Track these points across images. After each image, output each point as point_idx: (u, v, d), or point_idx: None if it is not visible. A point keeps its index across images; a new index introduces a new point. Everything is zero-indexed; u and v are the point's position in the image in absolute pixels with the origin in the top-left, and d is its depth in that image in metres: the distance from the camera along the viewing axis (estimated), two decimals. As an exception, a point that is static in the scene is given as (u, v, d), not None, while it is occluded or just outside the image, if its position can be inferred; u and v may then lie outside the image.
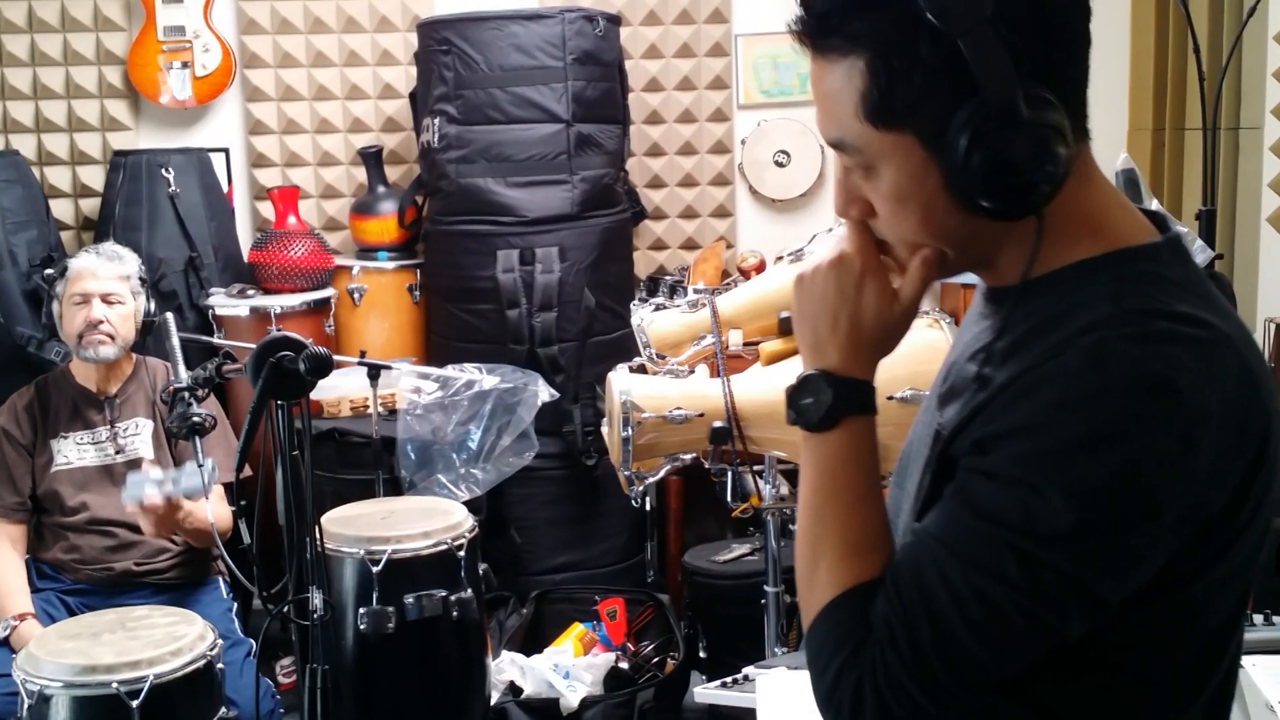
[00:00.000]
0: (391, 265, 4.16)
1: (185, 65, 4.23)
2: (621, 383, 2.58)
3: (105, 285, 3.12)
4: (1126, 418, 0.96)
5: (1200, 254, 3.18)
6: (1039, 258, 1.05)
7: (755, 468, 2.75)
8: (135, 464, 3.07)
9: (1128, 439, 0.96)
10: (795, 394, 1.13)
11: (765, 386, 2.51)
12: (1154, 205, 3.25)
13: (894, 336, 1.13)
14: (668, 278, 4.31)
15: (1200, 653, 1.07)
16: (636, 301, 3.79)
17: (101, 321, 3.09)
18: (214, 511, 2.73)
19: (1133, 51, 4.29)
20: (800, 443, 1.15)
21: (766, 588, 2.86)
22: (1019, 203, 1.01)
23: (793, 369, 1.23)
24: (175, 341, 2.84)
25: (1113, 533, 0.97)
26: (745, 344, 2.75)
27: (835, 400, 1.10)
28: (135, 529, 3.02)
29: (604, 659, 3.34)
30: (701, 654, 3.49)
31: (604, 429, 2.80)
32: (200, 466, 2.65)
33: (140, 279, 3.22)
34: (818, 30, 1.05)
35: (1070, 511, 0.96)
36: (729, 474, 2.72)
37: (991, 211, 1.02)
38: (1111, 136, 4.33)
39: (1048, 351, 1.00)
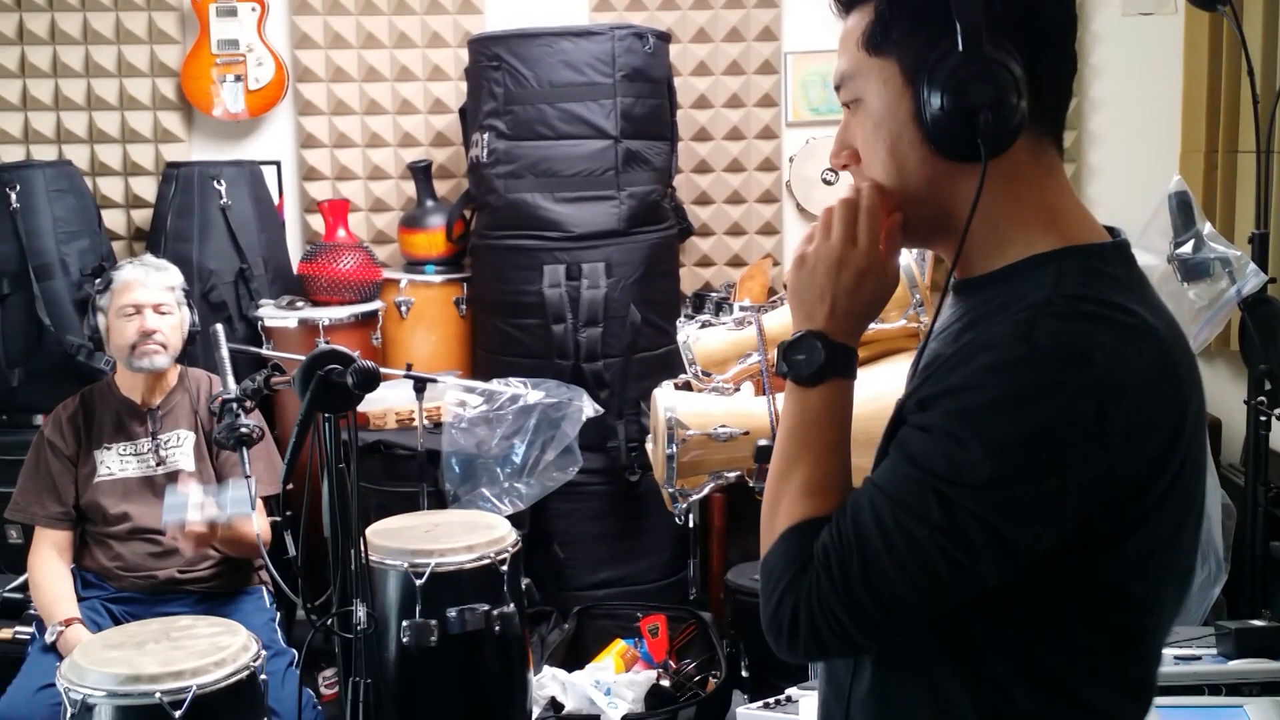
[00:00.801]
0: (439, 279, 4.18)
1: (238, 78, 4.28)
2: (667, 399, 2.58)
3: (155, 295, 3.16)
4: (1044, 383, 1.07)
5: (1253, 277, 3.13)
6: (1002, 251, 1.18)
7: (800, 487, 2.73)
8: (175, 476, 3.09)
9: (1043, 401, 1.07)
10: (789, 349, 1.23)
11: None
12: (1206, 228, 3.22)
13: (878, 304, 1.25)
14: (713, 294, 4.30)
15: (1121, 620, 1.16)
16: (682, 318, 3.79)
17: (155, 331, 3.12)
18: (255, 522, 2.75)
19: (1186, 74, 4.25)
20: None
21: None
22: (967, 133, 1.14)
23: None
24: (225, 352, 2.86)
25: (1024, 483, 1.07)
26: (792, 362, 2.73)
27: (827, 360, 1.21)
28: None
29: (645, 676, 3.32)
30: (744, 673, 3.47)
31: (648, 445, 2.79)
32: (247, 478, 2.66)
33: (183, 290, 3.25)
34: None
35: (988, 462, 1.07)
36: (773, 493, 2.70)
37: (943, 141, 1.16)
38: (1164, 159, 4.29)
39: (990, 327, 1.13)
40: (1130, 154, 4.44)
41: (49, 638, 2.91)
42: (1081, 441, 1.07)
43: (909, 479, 1.12)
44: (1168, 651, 2.44)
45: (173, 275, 3.24)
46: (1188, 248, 3.20)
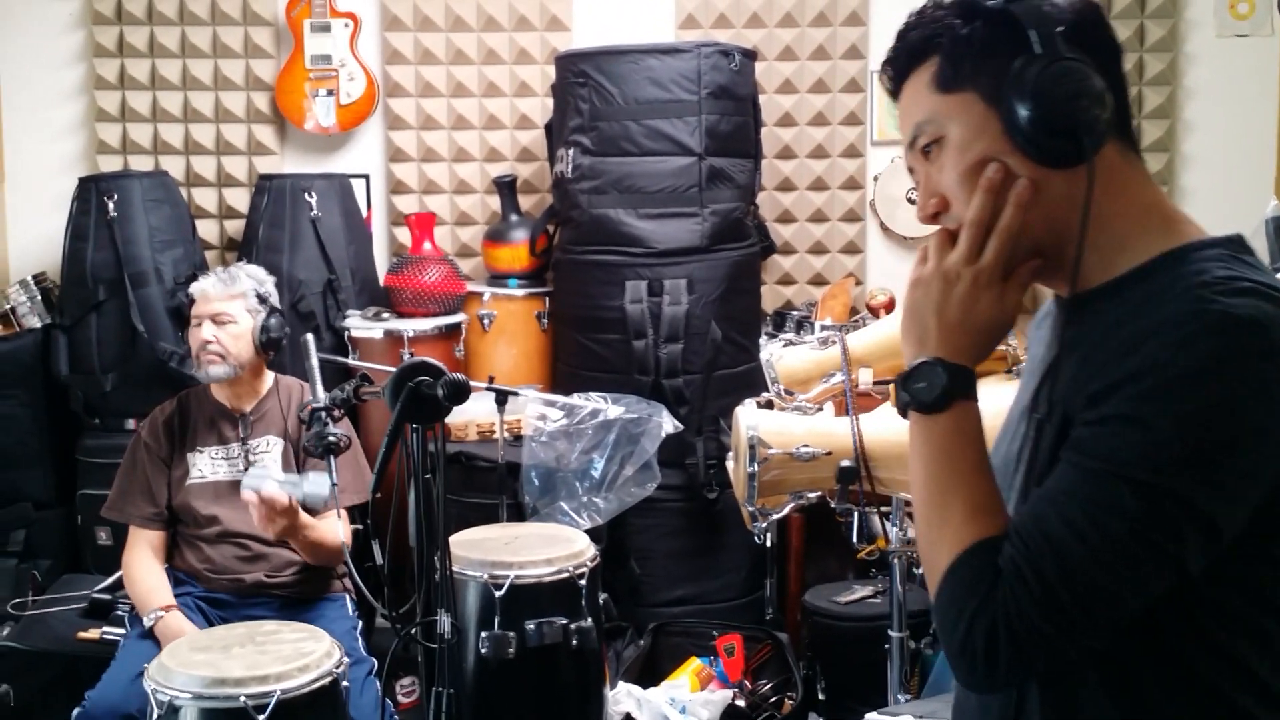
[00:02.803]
0: (521, 293, 4.22)
1: (330, 93, 4.36)
2: (749, 418, 2.57)
3: (215, 306, 3.20)
4: (1226, 354, 1.05)
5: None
6: (1123, 254, 1.18)
7: (882, 509, 2.71)
8: None
9: (1227, 371, 1.05)
10: (908, 379, 1.22)
11: (895, 427, 2.46)
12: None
13: (1001, 335, 1.24)
14: (795, 313, 4.28)
15: None
16: (765, 336, 3.78)
17: (210, 341, 3.17)
18: (341, 527, 2.78)
19: (1282, 98, 4.17)
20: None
21: (891, 632, 2.81)
22: (1063, 130, 1.15)
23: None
24: (314, 362, 2.90)
25: (1221, 456, 1.05)
26: (875, 383, 2.71)
27: (949, 383, 1.19)
28: (266, 541, 3.10)
29: (721, 695, 3.31)
30: (820, 696, 3.44)
31: (729, 463, 2.78)
32: (334, 485, 2.69)
33: (259, 296, 3.25)
34: (904, 59, 1.27)
35: (1179, 440, 1.05)
36: (855, 514, 2.68)
37: (1040, 145, 1.16)
38: (1260, 183, 4.21)
39: (1148, 315, 1.11)
40: (1225, 177, 4.35)
41: (148, 623, 2.97)
42: (1269, 406, 1.06)
43: (1093, 475, 1.09)
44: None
45: (241, 283, 3.23)
46: (1286, 273, 3.12)
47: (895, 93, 1.29)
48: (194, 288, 3.28)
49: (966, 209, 1.21)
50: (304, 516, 2.93)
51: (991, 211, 1.19)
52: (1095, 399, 1.10)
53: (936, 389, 1.19)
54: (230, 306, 3.20)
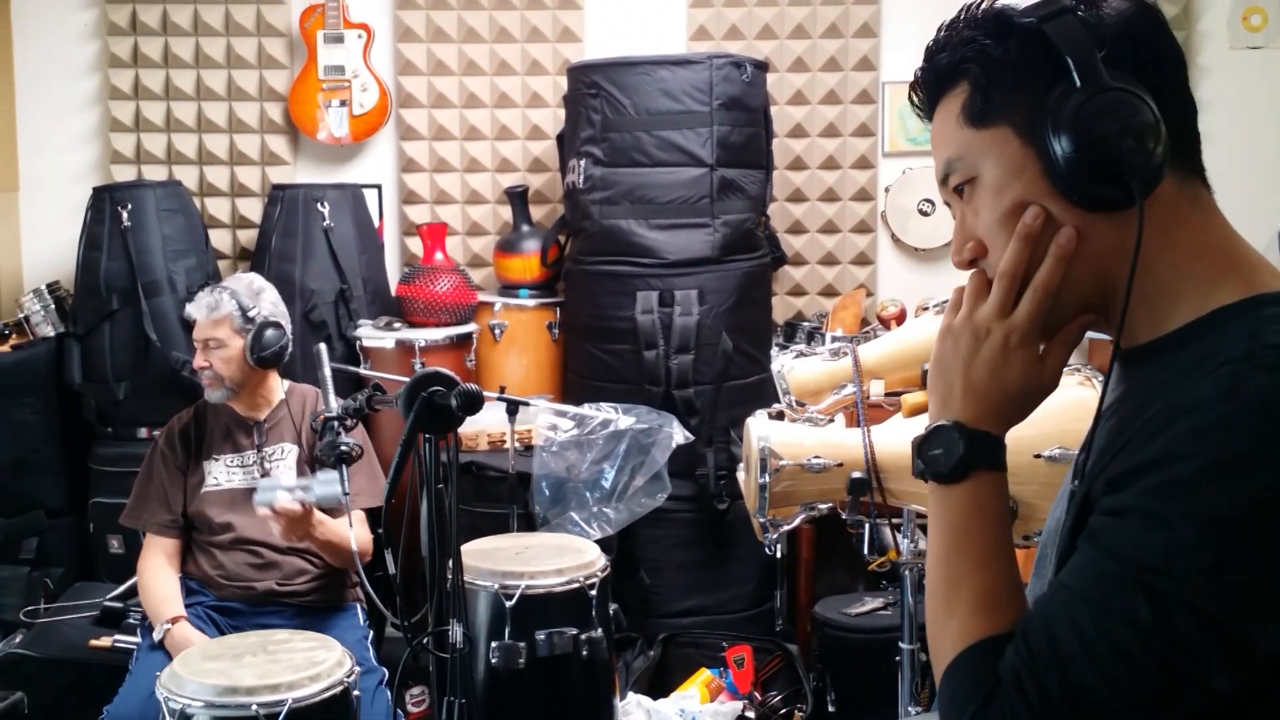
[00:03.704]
0: (532, 303, 4.23)
1: (343, 104, 4.37)
2: (760, 429, 2.57)
3: (205, 332, 3.22)
4: (1260, 444, 0.92)
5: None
6: (1175, 308, 1.05)
7: (893, 521, 2.71)
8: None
9: (1261, 466, 0.92)
10: (924, 444, 1.12)
11: (906, 439, 2.45)
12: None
13: (1036, 401, 1.12)
14: (805, 324, 4.29)
15: None
16: (775, 348, 3.78)
17: (205, 366, 3.21)
18: (352, 534, 2.79)
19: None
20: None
21: (902, 644, 2.80)
22: (1108, 172, 1.02)
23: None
24: (327, 371, 2.91)
25: (1250, 565, 0.92)
26: (887, 395, 2.71)
27: (967, 452, 1.09)
28: (279, 549, 3.11)
29: (731, 707, 3.30)
30: (830, 708, 3.43)
31: (740, 474, 2.78)
32: (345, 494, 2.70)
33: (245, 317, 3.20)
34: (933, 83, 1.14)
35: (1203, 544, 0.92)
36: (866, 526, 2.67)
37: (1082, 188, 1.03)
38: (1274, 195, 4.19)
39: (1184, 389, 0.98)
40: (1238, 191, 4.32)
41: (156, 635, 2.98)
42: None
43: (1108, 575, 0.97)
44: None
45: (225, 307, 3.20)
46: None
47: (928, 116, 1.18)
48: (188, 309, 3.30)
49: (1000, 242, 1.10)
50: (319, 516, 2.94)
51: (1028, 262, 1.08)
52: (1115, 484, 1.00)
53: (953, 458, 1.09)
54: (216, 332, 3.20)
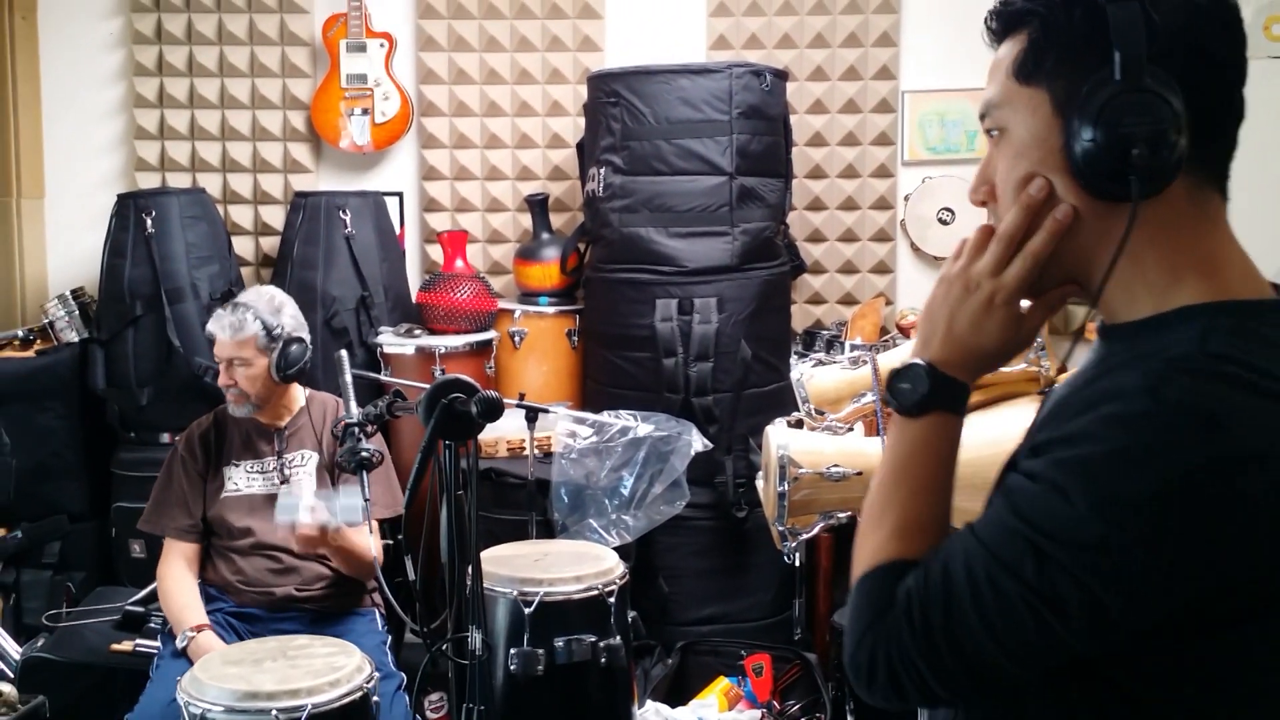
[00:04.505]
0: (552, 310, 4.24)
1: (365, 112, 4.40)
2: (779, 437, 2.57)
3: (229, 351, 3.22)
4: (1165, 441, 0.98)
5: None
6: (1152, 299, 1.10)
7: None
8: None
9: (1163, 463, 0.98)
10: (896, 377, 1.19)
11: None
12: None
13: (1007, 356, 1.19)
14: (824, 332, 4.29)
15: (1222, 711, 1.05)
16: (794, 356, 3.78)
17: (232, 384, 3.22)
18: (373, 542, 2.80)
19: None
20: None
21: (919, 653, 2.79)
22: (1118, 169, 1.07)
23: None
24: (348, 378, 2.93)
25: (1131, 550, 0.98)
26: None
27: (930, 392, 1.16)
28: (297, 555, 3.13)
29: (749, 716, 3.30)
30: (849, 717, 3.43)
31: (759, 482, 2.78)
32: (366, 501, 2.72)
33: (270, 335, 3.21)
34: (1002, 23, 1.18)
35: (1094, 522, 0.99)
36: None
37: (1092, 176, 1.08)
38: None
39: (1120, 376, 1.05)
40: (1261, 200, 4.32)
41: (180, 644, 2.99)
42: (1199, 513, 0.98)
43: (1008, 529, 1.05)
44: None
45: (249, 328, 3.20)
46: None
47: (995, 46, 1.21)
48: (209, 328, 3.29)
49: (1007, 202, 1.16)
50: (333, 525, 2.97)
51: (1026, 228, 1.14)
52: (1037, 449, 1.07)
53: (917, 395, 1.17)
54: (241, 352, 3.21)
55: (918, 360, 1.18)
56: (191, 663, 2.81)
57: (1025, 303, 1.18)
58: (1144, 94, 1.06)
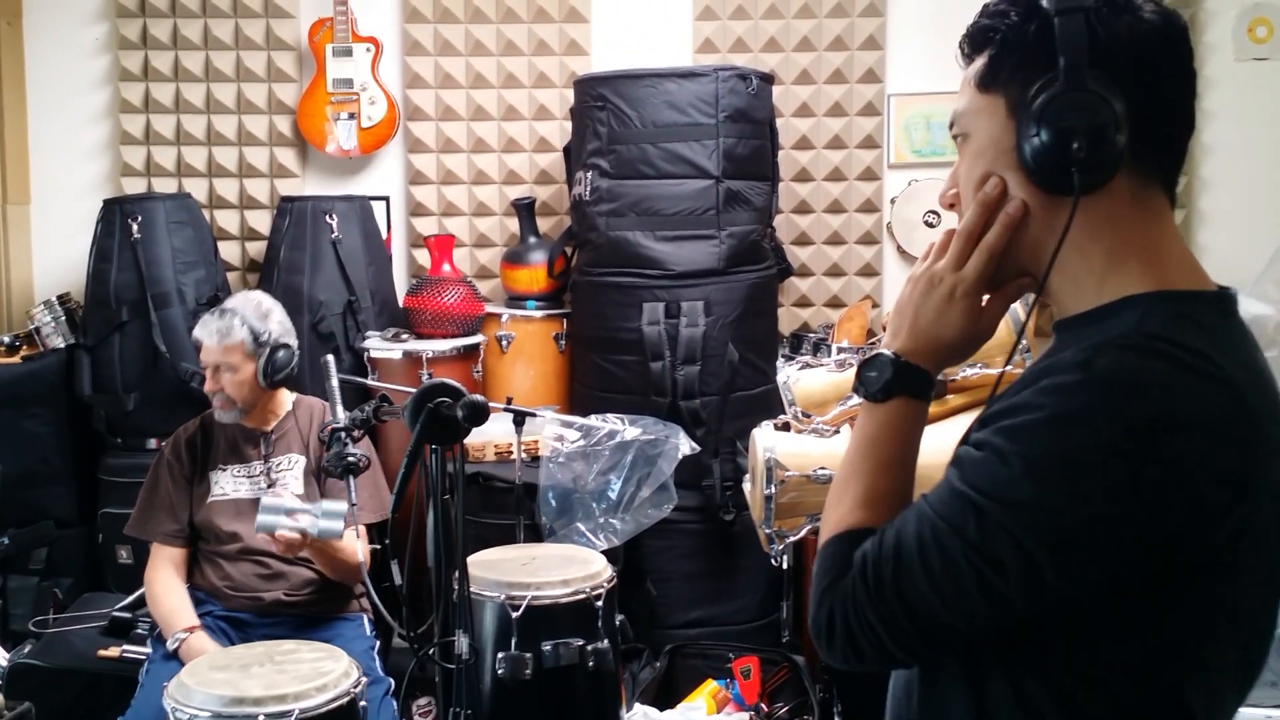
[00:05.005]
0: (539, 314, 4.24)
1: (352, 116, 4.40)
2: (766, 440, 2.57)
3: (216, 357, 3.22)
4: (1092, 409, 1.06)
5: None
6: (1098, 291, 1.18)
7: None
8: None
9: (1088, 427, 1.06)
10: (865, 366, 1.28)
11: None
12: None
13: (972, 346, 1.28)
14: (811, 335, 4.29)
15: (1159, 673, 1.12)
16: (780, 358, 3.78)
17: (218, 390, 3.22)
18: (359, 546, 2.80)
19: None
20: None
21: (906, 655, 2.80)
22: (1062, 163, 1.15)
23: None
24: (335, 383, 2.93)
25: (1061, 509, 1.06)
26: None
27: (893, 379, 1.25)
28: (285, 560, 3.12)
29: (737, 718, 3.30)
30: (837, 719, 3.43)
31: (746, 485, 2.79)
32: (351, 505, 2.71)
33: (257, 341, 3.21)
34: (970, 44, 1.27)
35: (1026, 481, 1.07)
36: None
37: (1040, 171, 1.16)
38: (1279, 207, 4.21)
39: (1062, 356, 1.12)
40: (1244, 201, 4.35)
41: (171, 646, 2.99)
42: (1126, 474, 1.05)
43: (954, 493, 1.13)
44: None
45: (236, 334, 3.20)
46: (1304, 298, 3.13)
47: (965, 65, 1.31)
48: (195, 333, 3.29)
49: (967, 200, 1.25)
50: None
51: (983, 225, 1.23)
52: (984, 422, 1.15)
53: (881, 382, 1.25)
54: (228, 358, 3.21)
55: (884, 350, 1.27)
56: (183, 664, 2.81)
57: (986, 298, 1.27)
58: (1085, 93, 1.14)
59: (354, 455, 2.72)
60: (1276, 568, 1.15)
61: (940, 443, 1.33)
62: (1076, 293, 1.20)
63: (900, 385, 1.25)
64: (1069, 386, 1.08)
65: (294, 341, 3.31)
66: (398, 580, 2.12)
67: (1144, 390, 1.06)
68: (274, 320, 3.29)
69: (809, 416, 2.73)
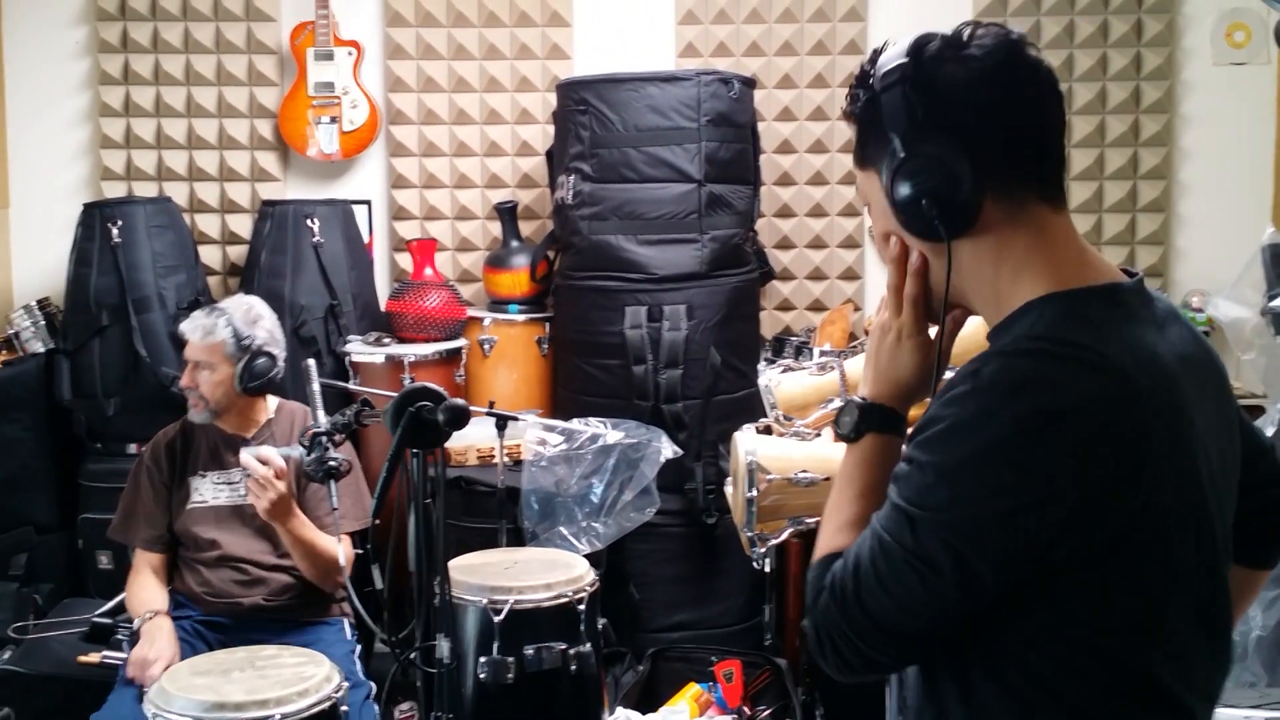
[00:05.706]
0: (522, 318, 4.24)
1: (333, 120, 4.39)
2: (747, 443, 2.58)
3: (196, 354, 3.21)
4: (981, 413, 1.19)
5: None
6: (1004, 306, 1.30)
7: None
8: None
9: (979, 430, 1.19)
10: (840, 413, 1.43)
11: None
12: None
13: (926, 378, 1.41)
14: (793, 338, 4.30)
15: (1112, 638, 1.23)
16: (763, 362, 3.79)
17: (193, 387, 3.21)
18: (330, 541, 2.79)
19: (1279, 124, 4.20)
20: None
21: (888, 657, 2.81)
22: (926, 218, 1.29)
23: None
24: (316, 387, 2.92)
25: (972, 506, 1.19)
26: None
27: (860, 419, 1.40)
28: (265, 566, 3.12)
29: (719, 721, 3.31)
30: (818, 721, 3.44)
31: (727, 489, 2.79)
32: (333, 510, 2.71)
33: (240, 344, 3.19)
34: (847, 120, 1.41)
35: (941, 486, 1.20)
36: (853, 540, 2.68)
37: (912, 228, 1.32)
38: (1257, 210, 4.23)
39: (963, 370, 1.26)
40: (1221, 205, 4.38)
41: (137, 624, 3.00)
42: (1020, 465, 1.18)
43: (892, 507, 1.26)
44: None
45: (220, 333, 3.19)
46: (1281, 301, 3.15)
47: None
48: (181, 327, 3.28)
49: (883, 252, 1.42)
50: (301, 517, 2.98)
51: (901, 277, 1.39)
52: (912, 437, 1.28)
53: (851, 424, 1.40)
54: (207, 356, 3.19)
55: (853, 398, 1.43)
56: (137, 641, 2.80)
57: (934, 330, 1.40)
58: (918, 159, 1.28)
59: (335, 460, 2.71)
60: (1203, 523, 1.27)
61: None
62: (996, 312, 1.32)
63: (866, 424, 1.39)
64: (962, 396, 1.22)
65: (279, 352, 3.29)
66: (379, 584, 2.12)
67: (1022, 388, 1.19)
68: (261, 327, 3.27)
69: (790, 420, 2.73)
